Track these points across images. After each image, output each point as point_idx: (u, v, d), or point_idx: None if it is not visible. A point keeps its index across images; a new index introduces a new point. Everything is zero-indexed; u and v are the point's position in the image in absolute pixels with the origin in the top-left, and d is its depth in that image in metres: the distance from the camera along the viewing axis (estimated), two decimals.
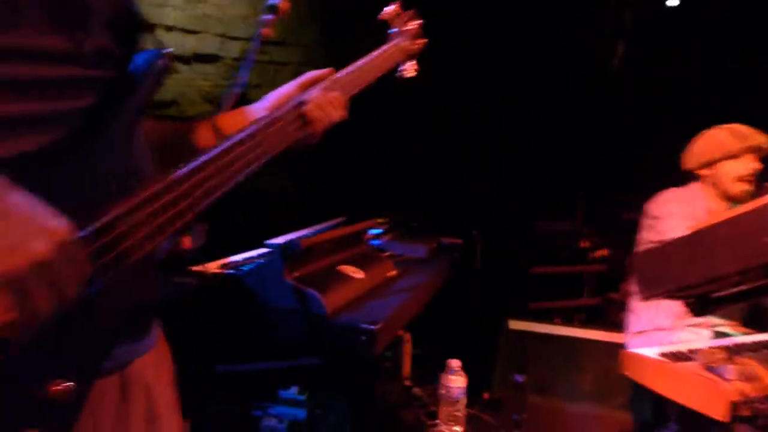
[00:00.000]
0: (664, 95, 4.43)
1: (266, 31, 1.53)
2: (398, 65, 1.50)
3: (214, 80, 3.10)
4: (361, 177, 3.60)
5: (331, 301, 1.47)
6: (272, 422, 2.57)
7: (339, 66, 1.26)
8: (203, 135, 1.01)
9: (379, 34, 1.45)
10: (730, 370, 1.39)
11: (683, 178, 2.47)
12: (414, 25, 1.47)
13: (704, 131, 2.39)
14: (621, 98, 4.68)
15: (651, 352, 1.60)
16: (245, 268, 1.55)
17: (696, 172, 2.38)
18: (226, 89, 1.57)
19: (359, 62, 1.29)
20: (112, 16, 0.75)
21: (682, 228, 2.26)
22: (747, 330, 2.24)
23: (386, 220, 2.64)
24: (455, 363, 1.83)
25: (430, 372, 2.86)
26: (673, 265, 1.37)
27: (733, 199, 2.33)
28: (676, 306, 2.35)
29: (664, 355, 1.58)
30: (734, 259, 1.17)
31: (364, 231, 1.99)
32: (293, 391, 2.53)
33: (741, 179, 2.27)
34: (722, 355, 1.46)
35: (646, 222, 2.46)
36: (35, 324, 0.57)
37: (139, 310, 0.78)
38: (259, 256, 1.76)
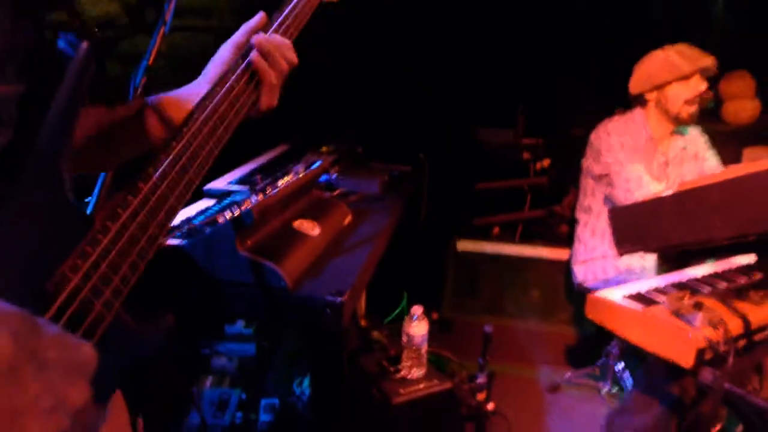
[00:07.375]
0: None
1: None
2: None
3: None
4: (298, 102, 3.33)
5: (291, 270, 1.34)
6: (222, 361, 2.49)
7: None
8: (151, 123, 0.82)
9: None
10: (699, 318, 1.39)
11: (628, 101, 2.41)
12: None
13: (649, 54, 2.30)
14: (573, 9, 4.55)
15: (616, 296, 1.58)
16: (191, 240, 1.37)
17: (644, 96, 2.30)
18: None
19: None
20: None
21: (626, 161, 2.24)
22: None
23: (332, 148, 2.47)
24: (418, 309, 1.77)
25: (383, 303, 2.84)
26: (657, 223, 1.31)
27: (681, 122, 2.29)
28: None
29: (629, 298, 1.57)
30: (728, 226, 1.12)
31: (316, 178, 1.83)
32: (239, 326, 2.43)
33: (690, 101, 2.23)
34: (688, 300, 1.46)
35: (590, 152, 2.42)
36: None
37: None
38: (203, 216, 1.57)
